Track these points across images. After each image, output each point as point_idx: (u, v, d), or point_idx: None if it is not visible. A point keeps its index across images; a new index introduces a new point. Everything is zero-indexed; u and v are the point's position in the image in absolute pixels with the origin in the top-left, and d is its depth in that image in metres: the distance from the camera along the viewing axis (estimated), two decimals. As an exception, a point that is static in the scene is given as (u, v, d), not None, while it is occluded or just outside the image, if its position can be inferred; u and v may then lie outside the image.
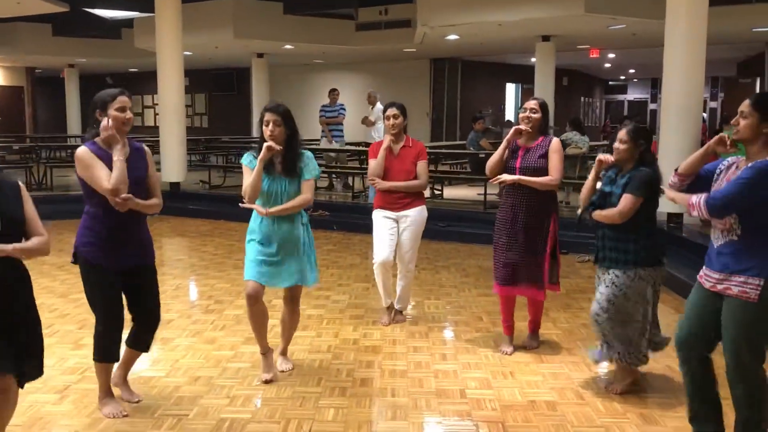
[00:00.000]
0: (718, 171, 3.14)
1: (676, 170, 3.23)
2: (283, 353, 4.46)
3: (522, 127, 4.47)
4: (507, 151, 4.55)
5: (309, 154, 4.17)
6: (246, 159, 4.08)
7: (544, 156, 4.44)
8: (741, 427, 3.06)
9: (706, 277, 3.11)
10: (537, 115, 4.48)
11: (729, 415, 3.18)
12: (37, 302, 3.06)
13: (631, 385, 4.04)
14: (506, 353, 4.65)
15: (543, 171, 4.44)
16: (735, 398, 3.04)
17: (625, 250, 3.82)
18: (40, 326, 3.07)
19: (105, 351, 3.63)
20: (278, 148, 3.91)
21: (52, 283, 6.60)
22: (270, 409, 3.81)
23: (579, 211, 4.09)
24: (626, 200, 3.76)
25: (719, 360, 3.14)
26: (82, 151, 3.45)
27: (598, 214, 3.87)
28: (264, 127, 3.97)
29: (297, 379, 4.22)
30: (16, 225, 2.87)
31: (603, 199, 3.89)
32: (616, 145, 3.85)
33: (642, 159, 3.84)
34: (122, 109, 3.48)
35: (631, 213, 3.76)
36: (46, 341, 4.75)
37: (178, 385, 4.14)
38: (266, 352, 4.25)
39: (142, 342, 3.82)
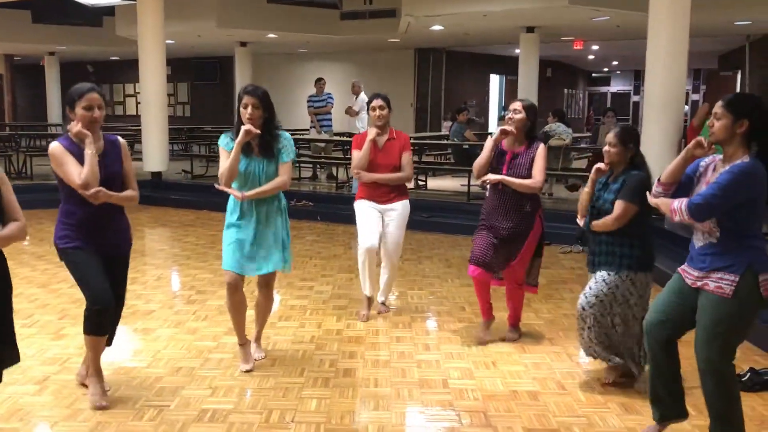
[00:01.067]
0: (697, 174, 3.16)
1: (659, 180, 3.24)
2: (257, 340, 4.46)
3: (507, 128, 4.48)
4: (494, 153, 4.56)
5: (287, 135, 4.14)
6: (223, 141, 4.06)
7: (531, 167, 4.46)
8: (715, 422, 3.09)
9: (686, 274, 3.15)
10: (519, 116, 4.46)
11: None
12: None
13: (622, 377, 4.05)
14: (481, 342, 4.66)
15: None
16: (705, 392, 3.07)
17: (621, 254, 3.84)
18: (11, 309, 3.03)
19: (94, 325, 3.57)
20: (257, 132, 3.90)
21: (32, 272, 6.52)
22: (252, 399, 3.80)
23: (578, 220, 4.08)
24: (620, 207, 3.78)
25: (688, 351, 3.16)
26: (54, 146, 3.51)
27: (595, 225, 3.90)
28: (242, 110, 3.96)
29: (280, 370, 4.22)
30: None
31: (597, 213, 3.91)
32: (606, 148, 3.89)
33: (632, 161, 3.88)
34: (89, 108, 3.48)
35: (626, 219, 3.79)
36: (26, 332, 4.75)
37: (160, 375, 4.11)
38: (244, 343, 4.27)
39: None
